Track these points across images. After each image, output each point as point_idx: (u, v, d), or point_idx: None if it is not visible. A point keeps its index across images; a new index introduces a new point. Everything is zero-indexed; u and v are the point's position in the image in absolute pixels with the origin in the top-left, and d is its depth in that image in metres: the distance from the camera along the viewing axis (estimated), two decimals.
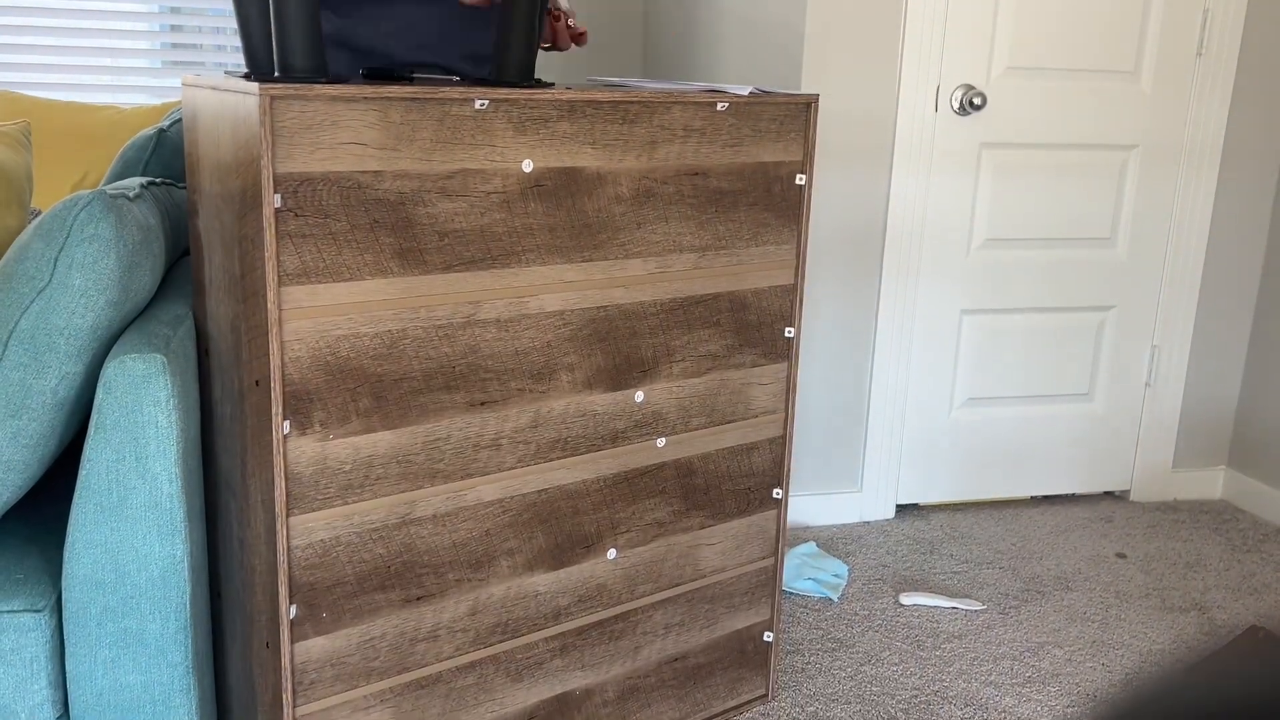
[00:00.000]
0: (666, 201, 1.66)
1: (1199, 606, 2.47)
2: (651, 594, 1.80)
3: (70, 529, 1.38)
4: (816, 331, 2.74)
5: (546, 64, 3.27)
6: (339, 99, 1.33)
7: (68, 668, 1.41)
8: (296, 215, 1.33)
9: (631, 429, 1.70)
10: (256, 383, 1.39)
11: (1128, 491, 3.09)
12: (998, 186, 2.79)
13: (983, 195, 2.79)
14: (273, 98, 1.28)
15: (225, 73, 1.54)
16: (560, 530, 1.66)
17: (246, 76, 1.44)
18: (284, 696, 1.43)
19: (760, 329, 1.83)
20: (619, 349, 1.66)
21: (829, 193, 2.66)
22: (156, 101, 2.98)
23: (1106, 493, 3.11)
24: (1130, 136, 2.84)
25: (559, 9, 1.86)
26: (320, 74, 1.38)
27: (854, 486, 2.86)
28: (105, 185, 1.66)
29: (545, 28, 1.84)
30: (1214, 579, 2.61)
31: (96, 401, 1.36)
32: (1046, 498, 3.07)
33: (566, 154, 1.54)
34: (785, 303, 1.85)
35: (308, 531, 1.41)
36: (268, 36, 1.47)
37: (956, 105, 2.70)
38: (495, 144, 1.47)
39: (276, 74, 1.39)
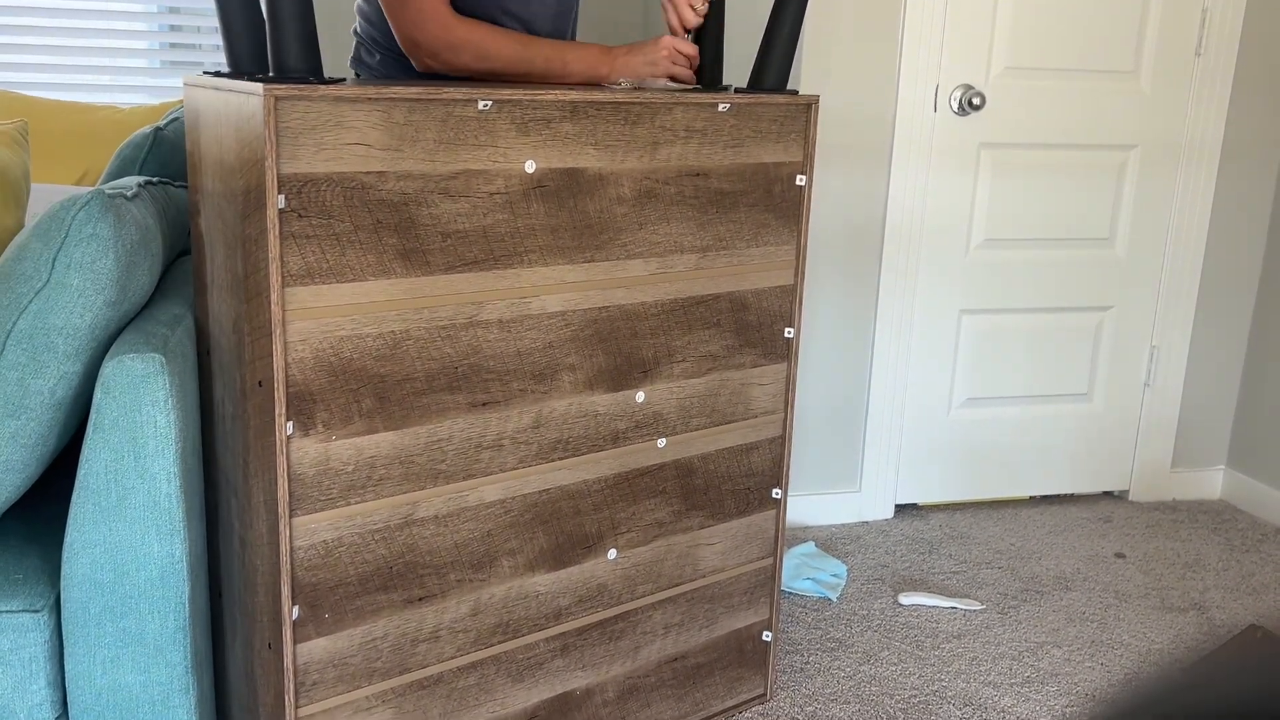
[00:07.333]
0: (668, 202, 1.66)
1: (1198, 606, 2.47)
2: (651, 594, 1.80)
3: (69, 529, 1.37)
4: (815, 331, 2.74)
5: None
6: (343, 99, 1.32)
7: (66, 668, 1.40)
8: (300, 216, 1.32)
9: (632, 429, 1.70)
10: (259, 383, 1.38)
11: (1126, 491, 3.09)
12: (997, 186, 2.79)
13: (981, 195, 2.79)
14: (277, 98, 1.28)
15: (203, 72, 1.53)
16: (561, 531, 1.66)
17: (231, 75, 1.43)
18: (286, 697, 1.42)
19: (760, 329, 1.83)
20: (620, 349, 1.66)
21: (828, 192, 2.66)
22: (155, 101, 2.97)
23: (1105, 493, 3.11)
24: (1129, 136, 2.84)
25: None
26: (316, 73, 1.37)
27: (853, 486, 2.86)
28: (102, 184, 1.66)
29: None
30: (1213, 579, 2.61)
31: (95, 401, 1.35)
32: (1045, 498, 3.07)
33: (569, 155, 1.53)
34: (785, 303, 1.85)
35: (310, 532, 1.41)
36: (249, 35, 1.46)
37: (955, 105, 2.70)
38: (498, 145, 1.46)
39: (271, 74, 1.38)
